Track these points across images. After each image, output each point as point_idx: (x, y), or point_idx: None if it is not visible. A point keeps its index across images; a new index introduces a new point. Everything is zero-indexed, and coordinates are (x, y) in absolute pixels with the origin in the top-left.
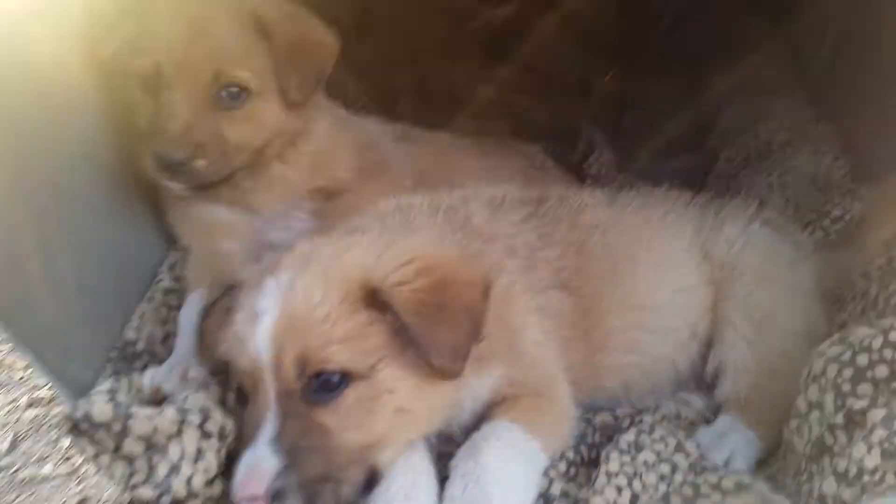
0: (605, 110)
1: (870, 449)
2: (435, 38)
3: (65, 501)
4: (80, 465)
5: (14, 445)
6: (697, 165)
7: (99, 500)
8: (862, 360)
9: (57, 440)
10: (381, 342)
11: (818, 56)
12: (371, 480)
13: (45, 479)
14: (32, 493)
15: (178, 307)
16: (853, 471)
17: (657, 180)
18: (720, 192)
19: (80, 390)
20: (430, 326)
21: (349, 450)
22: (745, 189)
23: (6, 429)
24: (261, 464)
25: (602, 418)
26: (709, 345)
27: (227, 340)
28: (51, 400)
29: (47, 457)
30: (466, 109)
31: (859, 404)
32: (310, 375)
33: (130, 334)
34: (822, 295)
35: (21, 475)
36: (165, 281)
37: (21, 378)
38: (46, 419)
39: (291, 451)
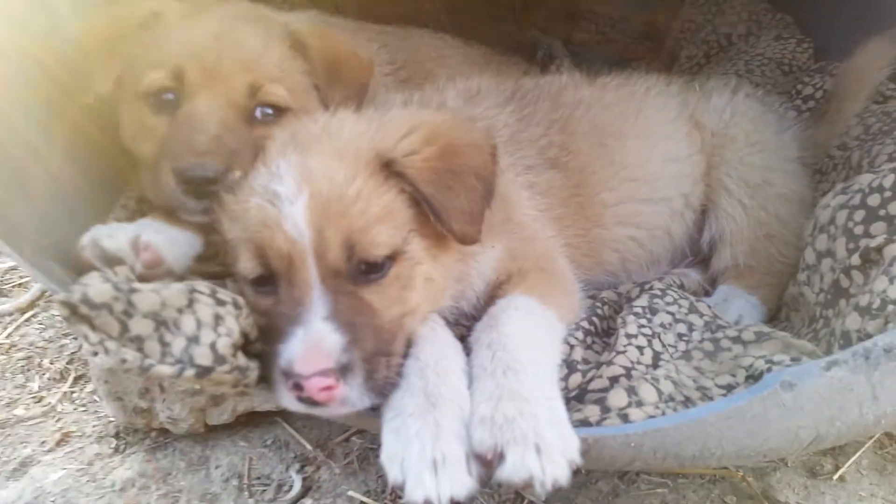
0: (555, 24)
1: (892, 280)
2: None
3: (45, 440)
4: (56, 403)
5: None
6: (657, 69)
7: (82, 434)
8: (874, 200)
9: (24, 384)
10: (408, 215)
11: None
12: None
13: (20, 420)
14: (9, 436)
15: None
16: (876, 303)
17: None
18: None
19: (51, 276)
20: (446, 193)
21: (392, 323)
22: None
23: None
24: (324, 339)
25: (607, 294)
26: (703, 214)
27: (245, 222)
28: (11, 347)
29: (17, 399)
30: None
31: (875, 242)
32: (359, 259)
33: None
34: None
35: None
36: (137, 189)
37: None
38: (9, 364)
39: (349, 327)
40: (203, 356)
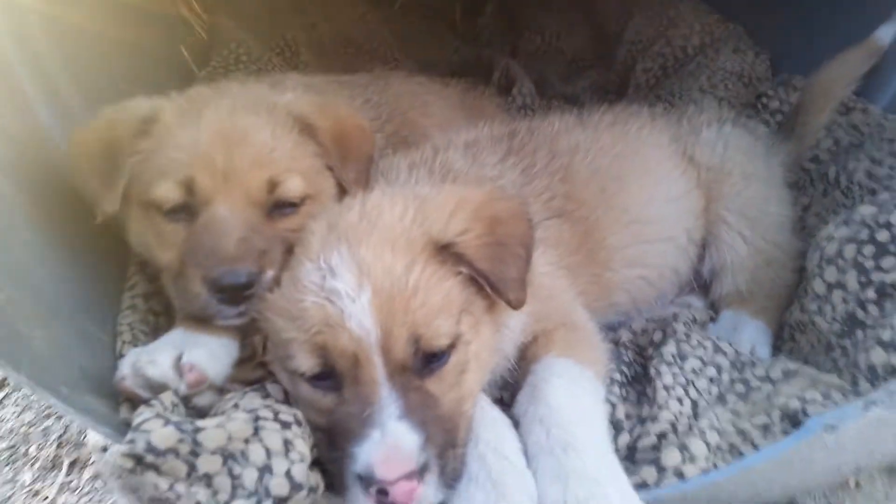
0: (497, 36)
1: None
2: None
3: None
4: (55, 497)
5: None
6: (611, 80)
7: None
8: (882, 235)
9: (14, 478)
10: (461, 298)
11: None
12: None
13: None
14: None
15: (165, 312)
16: None
17: (578, 100)
18: (647, 103)
19: (95, 416)
20: (500, 266)
21: (452, 411)
22: (676, 95)
23: None
24: (403, 441)
25: (625, 336)
26: (704, 246)
27: (303, 322)
28: None
29: (10, 497)
30: (363, 53)
31: (890, 277)
32: (424, 352)
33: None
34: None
35: None
36: (141, 285)
37: None
38: None
39: (422, 424)
40: (279, 486)
